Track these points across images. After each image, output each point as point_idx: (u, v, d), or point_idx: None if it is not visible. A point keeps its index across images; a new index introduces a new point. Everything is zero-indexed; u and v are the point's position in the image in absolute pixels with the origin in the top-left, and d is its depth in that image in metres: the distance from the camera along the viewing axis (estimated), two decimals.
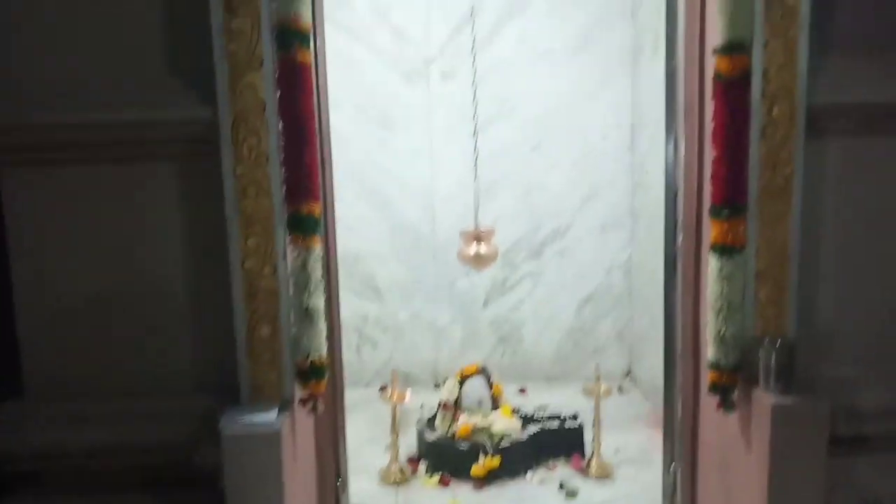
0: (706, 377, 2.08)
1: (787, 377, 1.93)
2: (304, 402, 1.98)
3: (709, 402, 2.13)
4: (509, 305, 4.60)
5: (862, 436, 2.08)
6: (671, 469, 2.43)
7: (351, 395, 3.74)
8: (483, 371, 3.59)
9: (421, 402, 3.94)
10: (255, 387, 1.94)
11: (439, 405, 3.55)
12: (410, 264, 4.53)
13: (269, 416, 1.86)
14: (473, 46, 3.47)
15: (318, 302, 1.94)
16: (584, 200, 4.49)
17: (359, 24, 4.30)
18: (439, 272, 4.49)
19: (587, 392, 3.29)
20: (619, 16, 4.33)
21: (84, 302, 2.02)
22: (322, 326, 1.96)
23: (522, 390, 4.31)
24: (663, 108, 2.46)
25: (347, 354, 4.35)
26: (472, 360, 3.97)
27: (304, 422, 2.06)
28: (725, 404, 2.03)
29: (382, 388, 3.34)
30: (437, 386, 4.43)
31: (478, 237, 3.40)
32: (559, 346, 4.61)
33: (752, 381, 1.99)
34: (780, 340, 1.96)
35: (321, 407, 1.99)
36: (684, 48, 2.22)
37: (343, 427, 2.46)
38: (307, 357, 1.95)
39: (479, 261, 3.44)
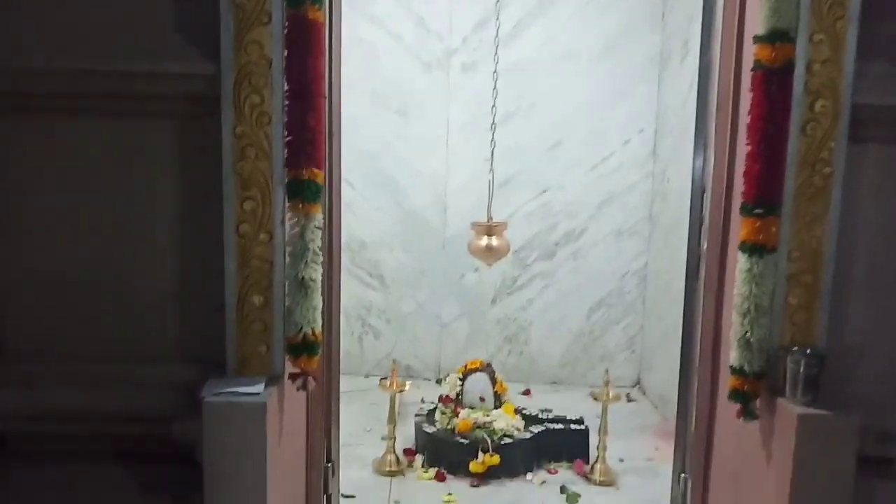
0: (725, 384, 1.95)
1: (815, 389, 1.78)
2: (293, 377, 1.85)
3: (726, 410, 2.00)
4: (518, 305, 4.47)
5: (889, 458, 1.94)
6: (681, 480, 2.29)
7: (350, 385, 3.66)
8: (487, 367, 3.46)
9: (421, 395, 3.84)
10: (242, 359, 1.81)
11: (440, 399, 3.44)
12: (418, 255, 4.41)
13: (256, 387, 1.73)
14: (497, 41, 3.36)
15: (315, 273, 1.81)
16: (601, 204, 4.36)
17: (381, 12, 4.20)
18: (448, 265, 4.37)
19: (595, 396, 3.17)
20: (648, 22, 4.21)
21: (67, 259, 1.90)
22: (318, 300, 1.84)
23: (526, 392, 4.18)
24: (690, 114, 2.33)
25: (349, 344, 4.26)
26: (477, 357, 3.84)
27: (293, 399, 1.93)
28: (746, 412, 1.88)
29: (382, 380, 3.22)
30: (438, 381, 4.31)
31: (490, 230, 3.28)
32: (567, 349, 4.47)
33: (775, 392, 1.85)
34: (810, 349, 1.82)
35: (312, 384, 1.86)
36: (722, 39, 2.08)
37: (337, 411, 2.33)
38: (300, 330, 1.81)
39: (489, 253, 3.31)
